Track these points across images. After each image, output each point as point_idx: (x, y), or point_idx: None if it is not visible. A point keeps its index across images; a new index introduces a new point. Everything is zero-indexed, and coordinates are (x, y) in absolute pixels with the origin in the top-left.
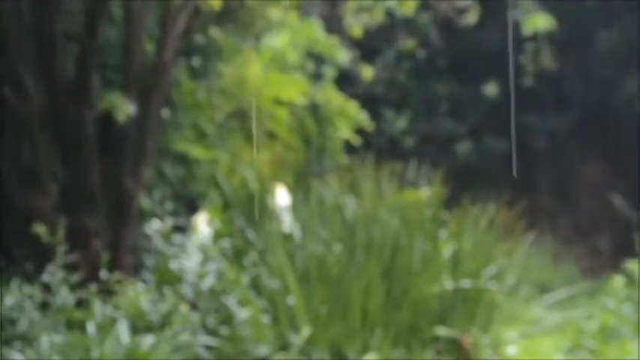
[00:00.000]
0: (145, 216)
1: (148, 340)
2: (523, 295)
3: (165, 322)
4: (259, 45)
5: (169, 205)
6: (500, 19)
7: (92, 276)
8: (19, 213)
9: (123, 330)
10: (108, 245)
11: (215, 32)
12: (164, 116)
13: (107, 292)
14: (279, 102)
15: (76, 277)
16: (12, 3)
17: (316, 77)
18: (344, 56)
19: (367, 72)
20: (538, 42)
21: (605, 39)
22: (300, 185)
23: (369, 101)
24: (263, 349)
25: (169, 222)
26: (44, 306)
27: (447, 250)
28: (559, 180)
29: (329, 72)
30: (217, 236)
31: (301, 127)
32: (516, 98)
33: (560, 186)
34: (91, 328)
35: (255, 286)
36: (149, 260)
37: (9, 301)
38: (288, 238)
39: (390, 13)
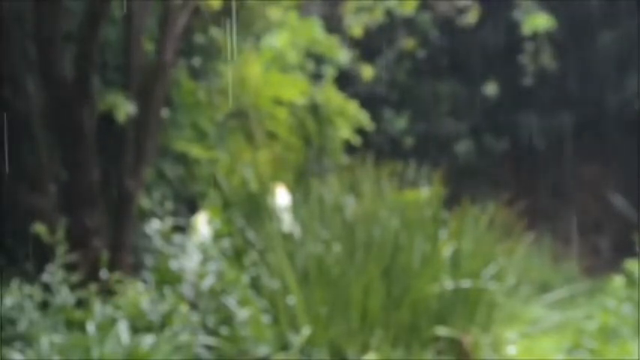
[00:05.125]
0: (145, 216)
1: (148, 340)
2: (523, 295)
3: (165, 322)
4: (259, 45)
5: (169, 205)
6: (500, 19)
7: (92, 276)
8: (19, 213)
9: (123, 330)
10: (108, 245)
11: (215, 32)
12: (164, 116)
13: (107, 292)
14: (279, 102)
15: (76, 277)
16: (12, 3)
17: (316, 77)
18: (344, 56)
19: (367, 72)
20: (538, 42)
21: (605, 39)
22: (300, 185)
23: (369, 101)
24: (263, 349)
25: (169, 222)
26: (44, 306)
27: (446, 250)
28: (559, 180)
29: (329, 72)
30: (217, 236)
31: (301, 127)
32: (516, 98)
33: (560, 186)
34: (91, 328)
35: (255, 286)
36: (149, 260)
37: (9, 301)
38: (288, 238)
39: (390, 13)
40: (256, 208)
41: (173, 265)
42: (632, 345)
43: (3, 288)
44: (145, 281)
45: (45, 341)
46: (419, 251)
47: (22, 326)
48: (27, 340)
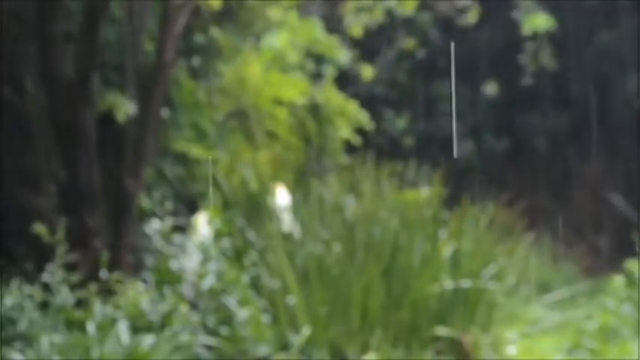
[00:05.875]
0: (145, 216)
1: (148, 340)
2: (523, 295)
3: (165, 322)
4: (259, 45)
5: (169, 205)
6: (500, 19)
7: (92, 276)
8: (19, 213)
9: (123, 330)
10: (108, 245)
11: (215, 32)
12: (164, 116)
13: (107, 292)
14: (279, 102)
15: (76, 277)
16: (12, 3)
17: (316, 77)
18: (344, 56)
19: (367, 72)
20: (538, 42)
21: (605, 39)
22: (300, 185)
23: (369, 101)
24: (263, 349)
25: (169, 222)
26: (44, 306)
27: (446, 250)
28: (559, 180)
29: (329, 72)
30: (217, 236)
31: (301, 127)
32: (516, 98)
33: (560, 186)
34: (91, 327)
35: (255, 286)
36: (149, 260)
37: (9, 301)
38: (288, 238)
39: (390, 13)
40: (256, 208)
41: (173, 265)
42: (632, 345)
43: (3, 288)
44: (145, 281)
45: (45, 341)
46: (419, 251)
47: (22, 326)
48: (27, 340)
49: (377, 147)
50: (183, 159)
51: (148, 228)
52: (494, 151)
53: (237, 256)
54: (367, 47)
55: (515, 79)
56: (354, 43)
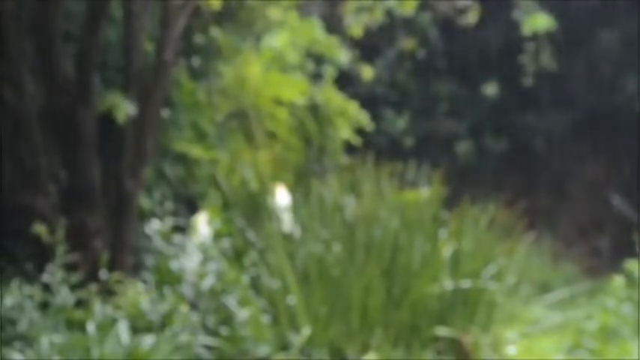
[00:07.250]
0: (145, 216)
1: (148, 340)
2: (523, 295)
3: (165, 322)
4: (259, 45)
5: (169, 205)
6: (500, 19)
7: (92, 276)
8: (19, 213)
9: (123, 330)
10: (108, 245)
11: (215, 32)
12: (164, 116)
13: (107, 292)
14: (279, 102)
15: (76, 277)
16: (12, 3)
17: (316, 77)
18: (344, 56)
19: (367, 72)
20: (538, 42)
21: (605, 39)
22: (300, 185)
23: (369, 101)
24: (263, 349)
25: (169, 222)
26: (44, 306)
27: (447, 250)
28: (559, 180)
29: (329, 72)
30: (217, 236)
31: (301, 127)
32: (516, 98)
33: (560, 186)
34: (91, 328)
35: (255, 286)
36: (149, 260)
37: (9, 301)
38: (288, 238)
39: (390, 13)
40: (256, 208)
41: (173, 265)
42: (632, 345)
43: (3, 288)
44: (145, 281)
45: (45, 341)
46: (419, 251)
47: (22, 326)
48: (27, 340)
49: (377, 147)
50: (183, 159)
51: (148, 228)
52: (494, 151)
53: (237, 256)
54: (367, 47)
55: (515, 79)
56: (354, 43)
